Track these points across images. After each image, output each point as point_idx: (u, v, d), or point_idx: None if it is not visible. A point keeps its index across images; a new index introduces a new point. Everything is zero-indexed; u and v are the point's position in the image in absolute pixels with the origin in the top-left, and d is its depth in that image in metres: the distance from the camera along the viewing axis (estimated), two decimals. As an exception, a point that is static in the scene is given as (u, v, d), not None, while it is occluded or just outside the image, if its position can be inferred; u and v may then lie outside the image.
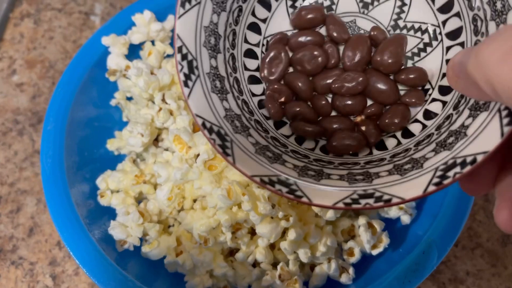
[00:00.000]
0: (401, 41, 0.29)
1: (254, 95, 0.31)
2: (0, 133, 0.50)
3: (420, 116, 0.29)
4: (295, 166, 0.27)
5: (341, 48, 0.31)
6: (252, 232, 0.37)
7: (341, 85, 0.29)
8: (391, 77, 0.30)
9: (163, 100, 0.40)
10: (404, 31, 0.30)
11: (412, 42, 0.30)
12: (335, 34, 0.30)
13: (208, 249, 0.36)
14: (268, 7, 0.32)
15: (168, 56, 0.44)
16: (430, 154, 0.25)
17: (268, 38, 0.32)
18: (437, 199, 0.36)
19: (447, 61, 0.29)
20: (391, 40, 0.29)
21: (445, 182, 0.23)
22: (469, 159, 0.23)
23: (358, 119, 0.30)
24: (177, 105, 0.40)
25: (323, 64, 0.30)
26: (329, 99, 0.31)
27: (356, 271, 0.36)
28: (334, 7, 0.32)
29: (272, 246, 0.37)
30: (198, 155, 0.36)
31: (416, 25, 0.30)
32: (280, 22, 0.32)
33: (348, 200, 0.24)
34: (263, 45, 0.32)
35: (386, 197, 0.24)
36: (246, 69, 0.31)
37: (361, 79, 0.29)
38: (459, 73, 0.21)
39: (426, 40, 0.30)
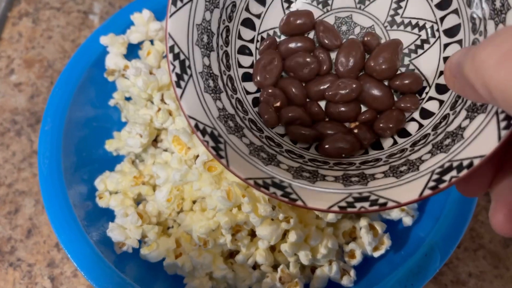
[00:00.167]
0: (396, 47, 0.29)
1: (248, 93, 0.30)
2: (-2, 133, 0.49)
3: (416, 115, 0.29)
4: (290, 168, 0.27)
5: (333, 53, 0.31)
6: (252, 234, 0.36)
7: (335, 92, 0.29)
8: (386, 82, 0.30)
9: (162, 100, 0.40)
10: (401, 27, 0.30)
11: (409, 39, 0.30)
12: (326, 42, 0.30)
13: (207, 251, 0.36)
14: (262, 2, 0.31)
15: (167, 55, 0.43)
16: (426, 156, 0.25)
17: (263, 34, 0.31)
18: (440, 201, 0.36)
19: (445, 58, 0.28)
20: (386, 45, 0.29)
21: (441, 186, 0.23)
22: (465, 163, 0.23)
23: (353, 125, 0.30)
24: (176, 105, 0.39)
25: (315, 71, 0.30)
26: (323, 105, 0.30)
27: (358, 274, 0.36)
28: (330, 2, 0.31)
29: (273, 248, 0.37)
30: (197, 156, 0.36)
31: (414, 21, 0.30)
32: (274, 17, 0.31)
33: (343, 204, 0.24)
34: (257, 41, 0.31)
35: (381, 200, 0.24)
36: (240, 66, 0.31)
37: (354, 86, 0.29)
38: (456, 73, 0.21)
39: (424, 36, 0.29)
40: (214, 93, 0.28)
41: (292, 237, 0.33)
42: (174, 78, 0.26)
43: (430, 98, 0.29)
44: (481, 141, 0.23)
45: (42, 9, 0.56)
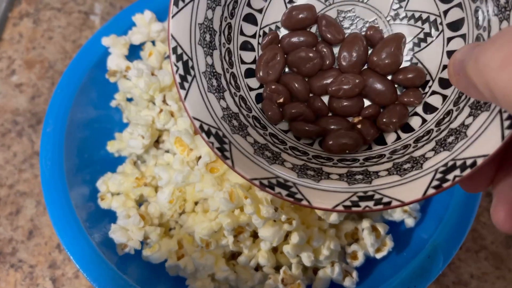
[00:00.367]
0: (399, 41, 0.29)
1: (251, 89, 0.30)
2: (-1, 134, 0.49)
3: (419, 109, 0.29)
4: (294, 166, 0.27)
5: (335, 48, 0.31)
6: (255, 236, 0.36)
7: (338, 88, 0.29)
8: (389, 77, 0.30)
9: (164, 101, 0.40)
10: (405, 21, 0.30)
11: (412, 32, 0.30)
12: (329, 36, 0.30)
13: (210, 252, 0.36)
14: None
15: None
16: (430, 153, 0.25)
17: (265, 29, 0.31)
18: (442, 202, 0.36)
19: (448, 52, 0.28)
20: (389, 40, 0.29)
21: (445, 185, 0.23)
22: (469, 162, 0.23)
23: (356, 120, 0.30)
24: (178, 107, 0.39)
25: (318, 66, 0.30)
26: (326, 100, 0.30)
27: (360, 275, 0.35)
28: None
29: (275, 250, 0.37)
30: (199, 157, 0.36)
31: (417, 14, 0.30)
32: (276, 11, 0.31)
33: (347, 203, 0.24)
34: (259, 36, 0.31)
35: (385, 199, 0.24)
36: (243, 62, 0.31)
37: (357, 81, 0.29)
38: (460, 71, 0.21)
39: (427, 30, 0.29)
40: (217, 92, 0.28)
41: (294, 238, 0.33)
42: (178, 80, 0.26)
43: (434, 93, 0.28)
44: (484, 140, 0.23)
45: (42, 9, 0.56)
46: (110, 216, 0.38)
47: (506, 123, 0.22)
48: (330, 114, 0.30)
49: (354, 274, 0.35)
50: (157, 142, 0.42)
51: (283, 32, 0.31)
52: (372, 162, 0.27)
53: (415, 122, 0.29)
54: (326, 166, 0.27)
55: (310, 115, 0.30)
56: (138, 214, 0.36)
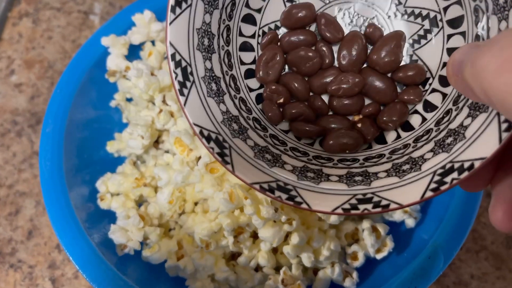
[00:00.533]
0: (399, 39, 0.29)
1: (251, 90, 0.30)
2: (-1, 134, 0.49)
3: (419, 107, 0.29)
4: (295, 168, 0.27)
5: (335, 46, 0.31)
6: (255, 236, 0.36)
7: (337, 87, 0.29)
8: (389, 75, 0.30)
9: (164, 101, 0.40)
10: (405, 17, 0.30)
11: (412, 29, 0.30)
12: (328, 35, 0.30)
13: (209, 253, 0.36)
14: None
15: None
16: (429, 154, 0.25)
17: (264, 28, 0.31)
18: (443, 202, 0.36)
19: (448, 50, 0.28)
20: (388, 38, 0.29)
21: (443, 188, 0.23)
22: (466, 165, 0.23)
23: (356, 118, 0.30)
24: (178, 107, 0.39)
25: (318, 66, 0.30)
26: (326, 99, 0.30)
27: (360, 276, 0.35)
28: None
29: (275, 250, 0.37)
30: (199, 157, 0.36)
31: (417, 11, 0.29)
32: (275, 10, 0.31)
33: (347, 206, 0.24)
34: (259, 35, 0.31)
35: (384, 202, 0.24)
36: (242, 63, 0.30)
37: (357, 80, 0.29)
38: (458, 72, 0.21)
39: (427, 26, 0.29)
40: (217, 96, 0.28)
41: (294, 239, 0.33)
42: (177, 86, 0.26)
43: (434, 90, 0.28)
44: (482, 142, 0.23)
45: (42, 9, 0.56)
46: (110, 217, 0.38)
47: (504, 126, 0.22)
48: (330, 113, 0.30)
49: (354, 274, 0.35)
50: (156, 143, 0.42)
51: (282, 31, 0.31)
52: (371, 162, 0.27)
53: (415, 120, 0.29)
54: (326, 167, 0.27)
55: (311, 115, 0.30)
56: (137, 214, 0.36)
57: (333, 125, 0.29)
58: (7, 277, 0.43)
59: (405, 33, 0.29)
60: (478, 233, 0.44)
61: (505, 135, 0.22)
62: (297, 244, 0.33)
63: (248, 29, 0.31)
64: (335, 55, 0.30)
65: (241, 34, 0.31)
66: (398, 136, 0.29)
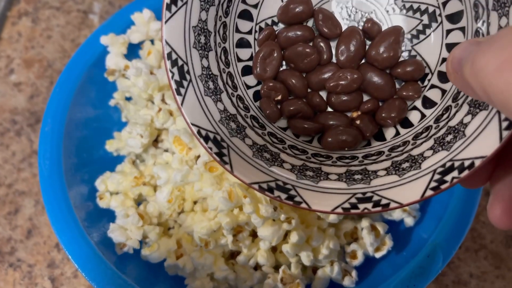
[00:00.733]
0: (398, 35, 0.28)
1: (248, 87, 0.30)
2: (-2, 133, 0.49)
3: (418, 103, 0.29)
4: (293, 167, 0.27)
5: (333, 42, 0.30)
6: (254, 235, 0.36)
7: (336, 84, 0.29)
8: (387, 71, 0.30)
9: (163, 100, 0.40)
10: (403, 12, 0.30)
11: (411, 24, 0.29)
12: (326, 30, 0.30)
13: (209, 252, 0.36)
14: None
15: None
16: (428, 152, 0.25)
17: (261, 24, 0.31)
18: (442, 201, 0.36)
19: (447, 45, 0.28)
20: (387, 33, 0.29)
21: (443, 187, 0.23)
22: (467, 163, 0.23)
23: (354, 114, 0.30)
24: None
25: (316, 62, 0.30)
26: (324, 95, 0.30)
27: (360, 275, 0.35)
28: None
29: (274, 249, 0.37)
30: (198, 156, 0.36)
31: (415, 5, 0.29)
32: (272, 5, 0.31)
33: (346, 205, 0.24)
34: (255, 31, 0.31)
35: (384, 201, 0.24)
36: (239, 60, 0.30)
37: (356, 76, 0.28)
38: (458, 70, 0.20)
39: (426, 21, 0.29)
40: (214, 95, 0.27)
41: (293, 238, 0.33)
42: (174, 86, 0.26)
43: (432, 86, 0.28)
44: (482, 140, 0.23)
45: (41, 8, 0.56)
46: (109, 216, 0.38)
47: (504, 124, 0.22)
48: (329, 110, 0.30)
49: (354, 273, 0.35)
50: (156, 141, 0.42)
51: (279, 26, 0.31)
52: (371, 160, 0.27)
53: (414, 117, 0.28)
54: (325, 165, 0.27)
55: (309, 112, 0.29)
56: (137, 213, 0.36)
57: (331, 122, 0.29)
58: (6, 276, 0.43)
59: (404, 28, 0.29)
60: (477, 232, 0.44)
61: (505, 134, 0.22)
62: (296, 242, 0.33)
63: (244, 25, 0.31)
64: (333, 51, 0.30)
65: (237, 31, 0.30)
66: (397, 133, 0.29)
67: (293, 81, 0.30)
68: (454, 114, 0.25)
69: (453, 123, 0.25)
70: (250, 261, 0.36)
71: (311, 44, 0.30)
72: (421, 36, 0.29)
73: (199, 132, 0.26)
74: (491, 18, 0.25)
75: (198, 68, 0.27)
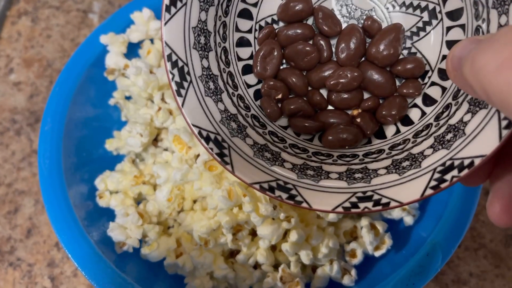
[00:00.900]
0: (398, 32, 0.28)
1: (249, 86, 0.30)
2: (-2, 132, 0.49)
3: (419, 101, 0.29)
4: (294, 166, 0.27)
5: (333, 40, 0.30)
6: (253, 234, 0.36)
7: (336, 82, 0.29)
8: (388, 68, 0.30)
9: (163, 99, 0.40)
10: (403, 9, 0.30)
11: (411, 21, 0.29)
12: (326, 28, 0.30)
13: (208, 250, 0.36)
14: None
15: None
16: (428, 150, 0.25)
17: (261, 23, 0.31)
18: (441, 200, 0.36)
19: (448, 42, 0.28)
20: (387, 31, 0.29)
21: (443, 186, 0.23)
22: (466, 162, 0.23)
23: (355, 112, 0.30)
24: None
25: (316, 60, 0.30)
26: (325, 93, 0.30)
27: (359, 273, 0.35)
28: None
29: (274, 248, 0.37)
30: (198, 155, 0.36)
31: (415, 2, 0.29)
32: (272, 4, 0.31)
33: (347, 204, 0.24)
34: (255, 30, 0.31)
35: (384, 200, 0.24)
36: (240, 59, 0.30)
37: (356, 74, 0.28)
38: (458, 68, 0.20)
39: (426, 18, 0.29)
40: (215, 95, 0.27)
41: (293, 236, 0.33)
42: (174, 87, 0.26)
43: (433, 84, 0.28)
44: (482, 139, 0.23)
45: (41, 8, 0.56)
46: (109, 215, 0.38)
47: (504, 123, 0.22)
48: (329, 108, 0.30)
49: (353, 272, 0.35)
50: (155, 140, 0.42)
51: (279, 24, 0.31)
52: (371, 158, 0.27)
53: (414, 114, 0.28)
54: (326, 164, 0.27)
55: (309, 110, 0.29)
56: (136, 212, 0.36)
57: (332, 120, 0.29)
58: (6, 275, 0.43)
59: (404, 26, 0.29)
60: (476, 231, 0.44)
61: (505, 133, 0.22)
62: (296, 241, 0.33)
63: (244, 24, 0.31)
64: (333, 49, 0.30)
65: (237, 30, 0.30)
66: (398, 131, 0.29)
67: (294, 79, 0.30)
68: (454, 112, 0.25)
69: (453, 121, 0.25)
70: (250, 260, 0.36)
71: (311, 42, 0.30)
72: (421, 33, 0.29)
73: (200, 133, 0.26)
74: (491, 16, 0.24)
75: (198, 69, 0.27)
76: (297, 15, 0.30)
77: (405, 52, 0.29)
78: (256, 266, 0.37)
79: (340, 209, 0.24)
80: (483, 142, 0.23)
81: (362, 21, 0.30)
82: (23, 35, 0.54)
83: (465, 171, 0.23)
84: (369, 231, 0.35)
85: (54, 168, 0.37)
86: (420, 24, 0.29)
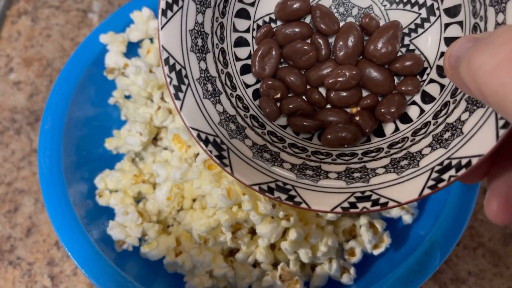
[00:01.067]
0: (395, 30, 0.28)
1: (248, 86, 0.30)
2: (-3, 132, 0.49)
3: (417, 98, 0.29)
4: (293, 166, 0.27)
5: (331, 38, 0.31)
6: (253, 232, 0.36)
7: (334, 80, 0.29)
8: (386, 66, 0.30)
9: (162, 98, 0.40)
10: (401, 6, 0.30)
11: (409, 18, 0.29)
12: (323, 27, 0.30)
13: (208, 249, 0.36)
14: None
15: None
16: (426, 149, 0.25)
17: (259, 22, 0.31)
18: (440, 199, 0.36)
19: (446, 39, 0.28)
20: (385, 29, 0.29)
21: (440, 185, 0.23)
22: (464, 161, 0.23)
23: (354, 110, 0.30)
24: (176, 104, 0.39)
25: (314, 59, 0.30)
26: (323, 91, 0.30)
27: (358, 272, 0.36)
28: None
29: (273, 246, 0.37)
30: (197, 154, 0.36)
31: None
32: (269, 2, 0.31)
33: (345, 204, 0.25)
34: (253, 29, 0.31)
35: (382, 200, 0.24)
36: (238, 59, 0.30)
37: (354, 73, 0.28)
38: (455, 67, 0.21)
39: (424, 15, 0.29)
40: (213, 97, 0.28)
41: (292, 235, 0.33)
42: (172, 91, 0.26)
43: (431, 81, 0.28)
44: (479, 138, 0.23)
45: (41, 7, 0.56)
46: (108, 213, 0.38)
47: (501, 122, 0.22)
48: (328, 106, 0.30)
49: (352, 270, 0.35)
50: (155, 140, 0.42)
51: (277, 23, 0.31)
52: (370, 157, 0.27)
53: (413, 112, 0.29)
54: (325, 163, 0.27)
55: (308, 109, 0.30)
56: (136, 211, 0.36)
57: (331, 119, 0.29)
58: (6, 274, 0.44)
59: (402, 23, 0.29)
60: (475, 230, 0.44)
61: (502, 132, 0.22)
62: (295, 240, 0.33)
63: (242, 24, 0.31)
64: (331, 47, 0.30)
65: (235, 30, 0.30)
66: (397, 129, 0.29)
67: (292, 78, 0.30)
68: (452, 111, 0.26)
69: (451, 120, 0.25)
70: (249, 258, 0.36)
71: (309, 41, 0.30)
72: (420, 30, 0.29)
73: (198, 136, 0.26)
74: (488, 14, 0.25)
75: (196, 71, 0.27)
76: (295, 14, 0.30)
77: (403, 49, 0.30)
78: (255, 264, 0.37)
79: (339, 209, 0.24)
80: (480, 142, 0.23)
81: (359, 19, 0.30)
82: (23, 34, 0.54)
83: (463, 171, 0.23)
84: (368, 230, 0.35)
85: (54, 166, 0.38)
86: (418, 21, 0.29)
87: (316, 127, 0.29)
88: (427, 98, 0.28)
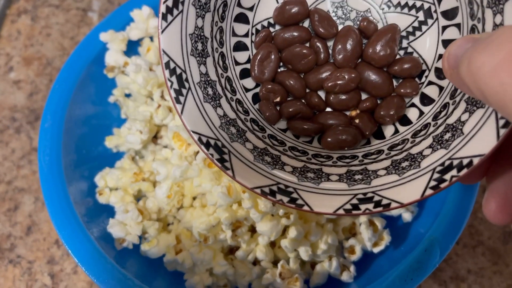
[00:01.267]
0: (394, 33, 0.29)
1: (247, 90, 0.30)
2: (-3, 130, 0.49)
3: (416, 100, 0.29)
4: (294, 169, 0.27)
5: (329, 41, 0.31)
6: (253, 230, 0.36)
7: (333, 84, 0.29)
8: (385, 69, 0.30)
9: (162, 96, 0.40)
10: (398, 9, 0.30)
11: (406, 21, 0.30)
12: (322, 31, 0.30)
13: (208, 247, 0.36)
14: None
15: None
16: (427, 150, 0.25)
17: (257, 26, 0.31)
18: (439, 197, 0.36)
19: (444, 41, 0.28)
20: (383, 32, 0.29)
21: (442, 185, 0.23)
22: (465, 162, 0.23)
23: (353, 113, 0.30)
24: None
25: (313, 62, 0.30)
26: (323, 95, 0.31)
27: (358, 269, 0.36)
28: None
29: (273, 244, 0.37)
30: (197, 152, 0.36)
31: (410, 2, 0.29)
32: (268, 7, 0.31)
33: (348, 206, 0.25)
34: (252, 34, 0.31)
35: (385, 201, 0.24)
36: (237, 63, 0.31)
37: (353, 76, 0.29)
38: (454, 67, 0.21)
39: (421, 18, 0.29)
40: (213, 101, 0.28)
41: (292, 233, 0.33)
42: (173, 95, 0.26)
43: (430, 83, 0.28)
44: (480, 138, 0.23)
45: (40, 6, 0.56)
46: (109, 211, 0.38)
47: (501, 122, 0.22)
48: (328, 109, 0.31)
49: (352, 268, 0.35)
50: (155, 138, 0.42)
51: (275, 28, 0.31)
52: (371, 159, 0.27)
53: (412, 114, 0.29)
54: (325, 166, 0.28)
55: (308, 112, 0.30)
56: (136, 209, 0.36)
57: (331, 122, 0.29)
58: (6, 272, 0.44)
59: (400, 26, 0.29)
60: (474, 228, 0.45)
61: (502, 131, 0.22)
62: (295, 238, 0.34)
63: (241, 29, 0.31)
64: (330, 51, 0.30)
65: (234, 34, 0.31)
66: (396, 131, 0.29)
67: (291, 82, 0.30)
68: (452, 112, 0.26)
69: (451, 120, 0.25)
70: (249, 256, 0.36)
71: (307, 44, 0.31)
72: (417, 33, 0.29)
73: (200, 139, 0.26)
74: (486, 15, 0.25)
75: (196, 75, 0.27)
76: (293, 18, 0.30)
77: (401, 52, 0.30)
78: (256, 262, 0.37)
79: (341, 211, 0.25)
80: (481, 142, 0.23)
81: (358, 23, 0.30)
82: (23, 33, 0.54)
83: (464, 171, 0.23)
84: (367, 228, 0.35)
85: (54, 165, 0.38)
86: (416, 24, 0.29)
87: (316, 130, 0.29)
88: (426, 100, 0.28)
